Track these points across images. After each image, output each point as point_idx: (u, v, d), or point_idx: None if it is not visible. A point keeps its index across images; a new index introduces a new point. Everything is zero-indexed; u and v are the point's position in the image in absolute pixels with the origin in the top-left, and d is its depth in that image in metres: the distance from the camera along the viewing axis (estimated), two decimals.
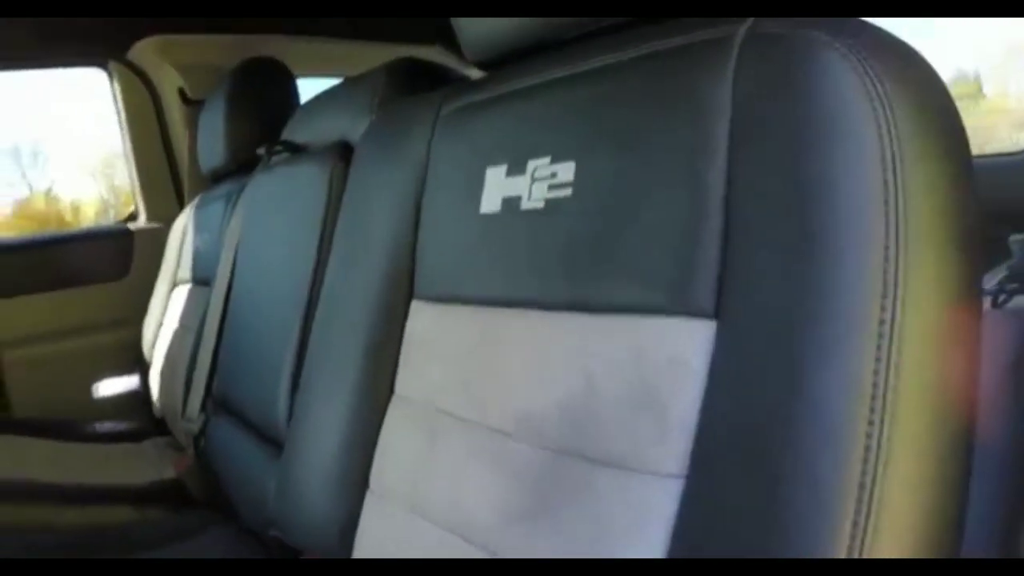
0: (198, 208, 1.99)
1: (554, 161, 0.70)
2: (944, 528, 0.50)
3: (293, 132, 1.50)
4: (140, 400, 2.14)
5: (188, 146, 2.24)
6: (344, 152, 1.18)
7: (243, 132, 1.76)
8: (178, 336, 1.89)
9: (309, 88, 1.92)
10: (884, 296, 0.49)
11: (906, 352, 0.49)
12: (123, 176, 2.40)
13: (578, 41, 0.75)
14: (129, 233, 2.29)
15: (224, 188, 1.83)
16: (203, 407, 1.60)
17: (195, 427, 1.59)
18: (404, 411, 0.87)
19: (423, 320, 0.87)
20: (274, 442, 1.18)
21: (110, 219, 2.43)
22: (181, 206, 2.21)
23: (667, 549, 0.56)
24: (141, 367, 2.16)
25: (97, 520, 1.45)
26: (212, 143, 1.85)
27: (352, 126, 1.21)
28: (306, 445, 0.97)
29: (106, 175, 2.44)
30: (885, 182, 0.50)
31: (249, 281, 1.50)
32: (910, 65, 0.54)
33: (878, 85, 0.51)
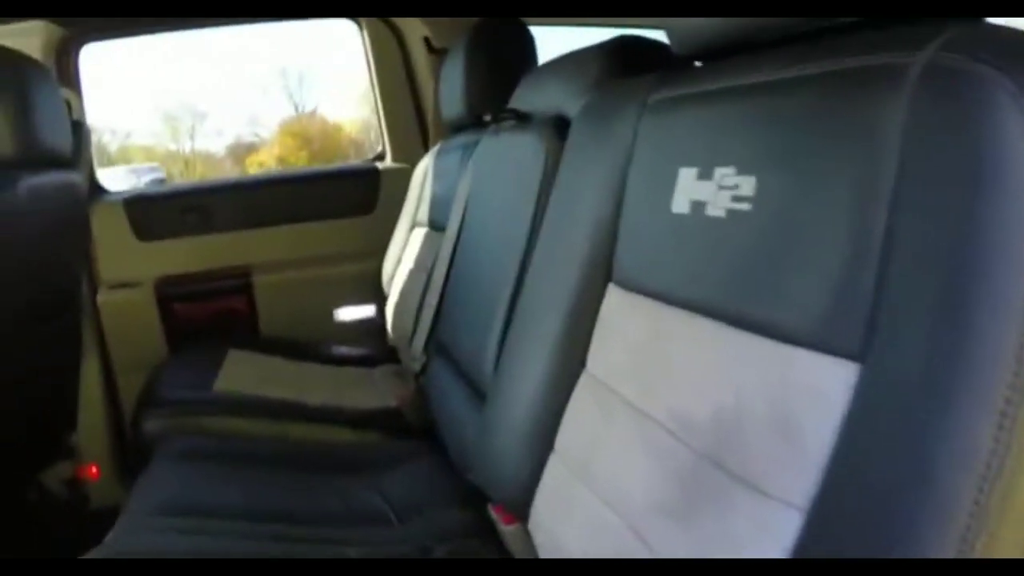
0: (438, 155, 2.07)
1: (739, 173, 0.71)
2: None
3: (519, 99, 1.54)
4: (376, 328, 2.29)
5: (433, 93, 2.32)
6: (561, 127, 1.22)
7: (480, 87, 1.78)
8: (413, 275, 2.01)
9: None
10: (1016, 375, 0.46)
11: None
12: None
13: (768, 49, 0.74)
14: (376, 172, 2.43)
15: (462, 139, 1.88)
16: (426, 347, 1.73)
17: (417, 365, 1.74)
18: (589, 385, 0.93)
19: (615, 304, 0.92)
20: (480, 393, 1.27)
21: (371, 140, 2.58)
22: (426, 149, 2.28)
23: None
24: (379, 298, 2.30)
25: (320, 437, 1.63)
26: (452, 94, 1.89)
27: (570, 101, 1.24)
28: (505, 403, 1.06)
29: (369, 101, 2.58)
30: None
31: (474, 237, 1.60)
32: None
33: None
